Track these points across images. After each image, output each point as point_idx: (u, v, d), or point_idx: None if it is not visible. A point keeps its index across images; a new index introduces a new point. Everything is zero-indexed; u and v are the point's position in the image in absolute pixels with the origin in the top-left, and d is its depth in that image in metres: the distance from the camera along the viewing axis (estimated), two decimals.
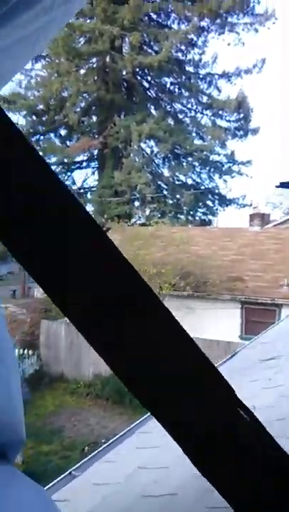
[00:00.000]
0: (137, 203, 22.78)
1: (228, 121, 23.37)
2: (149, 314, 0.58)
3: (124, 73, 22.39)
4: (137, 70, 22.57)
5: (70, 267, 0.57)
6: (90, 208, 23.90)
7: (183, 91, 23.95)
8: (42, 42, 0.98)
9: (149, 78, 24.22)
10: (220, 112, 23.20)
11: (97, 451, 2.24)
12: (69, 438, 9.82)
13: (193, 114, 24.15)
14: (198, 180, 24.39)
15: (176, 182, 23.81)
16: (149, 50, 22.95)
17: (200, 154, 22.48)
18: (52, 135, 24.09)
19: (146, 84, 24.36)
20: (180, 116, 24.32)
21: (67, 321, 0.68)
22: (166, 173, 24.11)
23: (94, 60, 22.71)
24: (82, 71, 22.65)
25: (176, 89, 24.19)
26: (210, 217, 24.47)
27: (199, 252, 13.97)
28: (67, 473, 2.00)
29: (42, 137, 23.86)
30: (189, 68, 23.50)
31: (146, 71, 23.29)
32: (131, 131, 21.00)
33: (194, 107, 24.02)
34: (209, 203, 24.41)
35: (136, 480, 1.66)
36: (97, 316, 0.57)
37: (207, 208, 24.42)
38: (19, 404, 0.61)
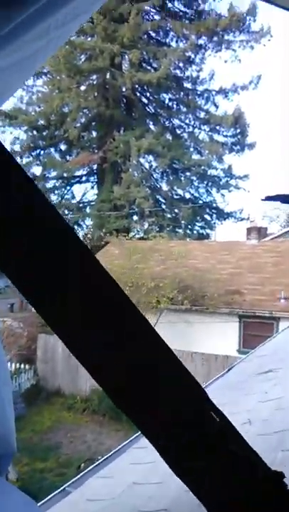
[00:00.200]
0: (135, 217, 22.89)
1: (225, 136, 23.64)
2: (137, 333, 0.59)
3: (123, 89, 22.73)
4: (137, 86, 22.90)
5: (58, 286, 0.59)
6: (89, 221, 24.03)
7: (181, 107, 24.29)
8: (40, 61, 1.02)
9: (148, 94, 24.57)
10: (217, 128, 23.48)
11: (91, 467, 2.21)
12: (65, 455, 9.69)
13: (191, 129, 24.44)
14: (196, 194, 24.59)
15: (175, 196, 23.96)
16: (148, 67, 23.34)
17: (198, 169, 22.69)
18: (52, 150, 24.31)
19: (145, 101, 24.71)
20: (178, 131, 24.61)
21: None
22: (164, 187, 24.30)
23: (94, 76, 23.07)
24: (82, 87, 22.97)
25: (175, 105, 24.53)
26: (208, 230, 24.58)
27: (197, 266, 13.99)
28: (61, 489, 1.98)
29: (42, 152, 24.08)
30: (187, 85, 23.88)
31: (145, 87, 23.64)
32: (130, 146, 21.22)
33: (192, 123, 24.33)
34: (207, 216, 24.54)
35: (130, 496, 1.65)
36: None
37: (205, 221, 24.53)
38: (10, 416, 0.61)
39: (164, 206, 23.36)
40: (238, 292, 12.89)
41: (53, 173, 23.52)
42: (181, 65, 23.11)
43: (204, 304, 12.50)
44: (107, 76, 22.53)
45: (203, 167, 22.86)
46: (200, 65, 23.34)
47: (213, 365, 11.88)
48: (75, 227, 23.80)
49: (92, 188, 25.46)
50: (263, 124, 41.89)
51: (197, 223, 24.36)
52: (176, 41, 23.19)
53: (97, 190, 24.45)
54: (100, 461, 2.33)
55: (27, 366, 13.33)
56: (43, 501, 1.85)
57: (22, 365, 13.25)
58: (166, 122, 24.48)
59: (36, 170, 23.54)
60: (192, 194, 24.52)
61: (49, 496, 1.95)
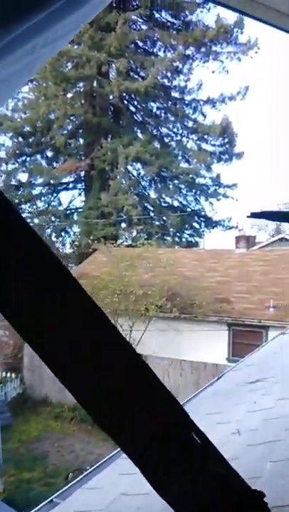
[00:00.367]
0: (123, 225, 22.90)
1: (213, 145, 23.87)
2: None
3: (111, 97, 22.83)
4: (124, 94, 23.03)
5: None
6: (76, 228, 23.94)
7: (169, 116, 24.47)
8: (29, 76, 1.04)
9: (135, 103, 24.71)
10: (205, 137, 23.70)
11: (79, 478, 2.19)
12: (53, 465, 9.56)
13: (179, 138, 24.63)
14: (185, 202, 24.71)
15: (163, 204, 24.05)
16: (136, 76, 23.49)
17: (186, 177, 22.82)
18: (38, 156, 24.20)
19: (132, 109, 24.84)
20: (166, 140, 24.77)
21: None
22: (152, 195, 24.38)
23: (81, 84, 23.12)
24: (69, 95, 22.97)
25: (163, 114, 24.71)
26: (196, 238, 24.69)
27: (186, 274, 14.02)
28: (48, 500, 1.96)
29: (28, 158, 23.96)
30: (175, 94, 24.09)
31: (132, 96, 23.79)
32: (118, 153, 21.28)
33: (180, 131, 24.52)
34: (195, 224, 24.67)
35: (118, 507, 1.64)
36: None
37: (193, 229, 24.65)
38: None
39: (152, 214, 23.43)
40: (226, 300, 12.94)
41: (40, 180, 23.41)
42: (168, 74, 23.33)
43: (193, 312, 12.52)
44: (94, 84, 22.60)
45: (191, 175, 23.01)
46: (188, 75, 23.60)
47: (202, 373, 11.88)
48: (62, 234, 23.74)
49: (80, 195, 25.44)
50: (250, 134, 42.48)
51: (186, 231, 24.48)
52: (164, 51, 23.43)
53: (85, 197, 24.40)
54: (88, 471, 2.31)
55: (13, 375, 13.16)
56: None
57: (8, 374, 13.08)
58: (154, 131, 24.63)
59: (22, 176, 23.46)
60: (180, 202, 24.66)
61: (36, 508, 1.93)
